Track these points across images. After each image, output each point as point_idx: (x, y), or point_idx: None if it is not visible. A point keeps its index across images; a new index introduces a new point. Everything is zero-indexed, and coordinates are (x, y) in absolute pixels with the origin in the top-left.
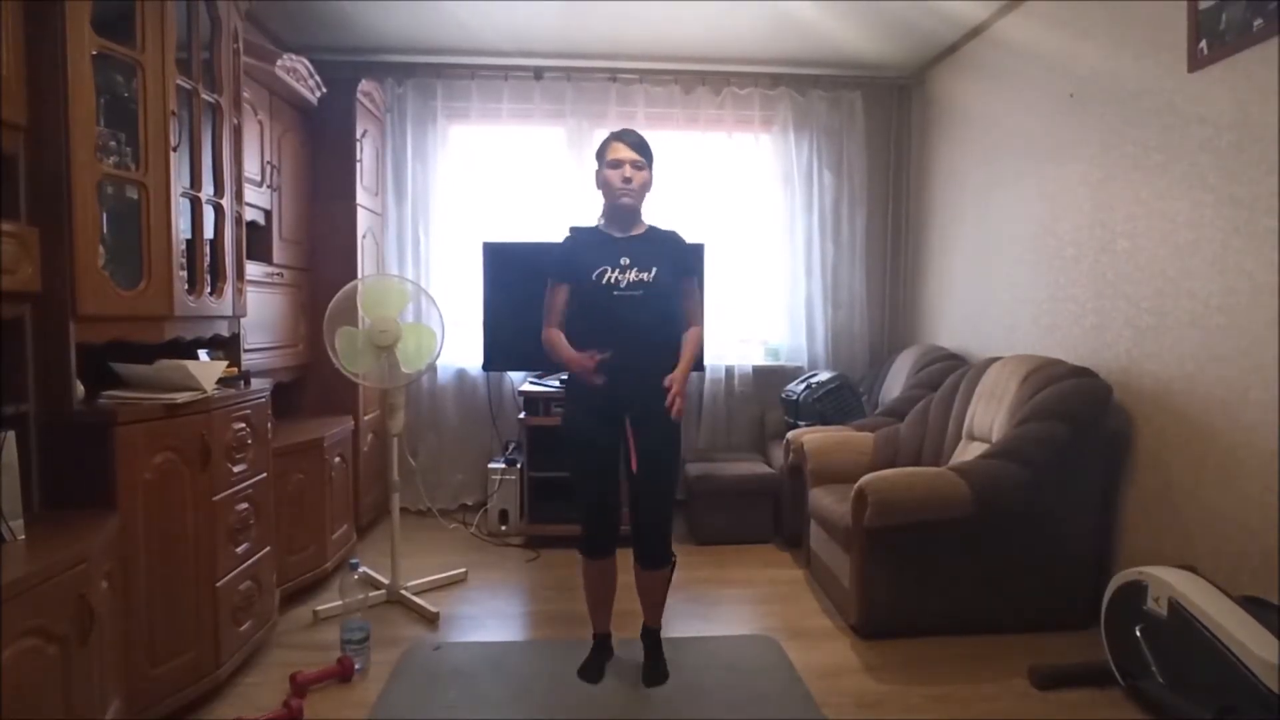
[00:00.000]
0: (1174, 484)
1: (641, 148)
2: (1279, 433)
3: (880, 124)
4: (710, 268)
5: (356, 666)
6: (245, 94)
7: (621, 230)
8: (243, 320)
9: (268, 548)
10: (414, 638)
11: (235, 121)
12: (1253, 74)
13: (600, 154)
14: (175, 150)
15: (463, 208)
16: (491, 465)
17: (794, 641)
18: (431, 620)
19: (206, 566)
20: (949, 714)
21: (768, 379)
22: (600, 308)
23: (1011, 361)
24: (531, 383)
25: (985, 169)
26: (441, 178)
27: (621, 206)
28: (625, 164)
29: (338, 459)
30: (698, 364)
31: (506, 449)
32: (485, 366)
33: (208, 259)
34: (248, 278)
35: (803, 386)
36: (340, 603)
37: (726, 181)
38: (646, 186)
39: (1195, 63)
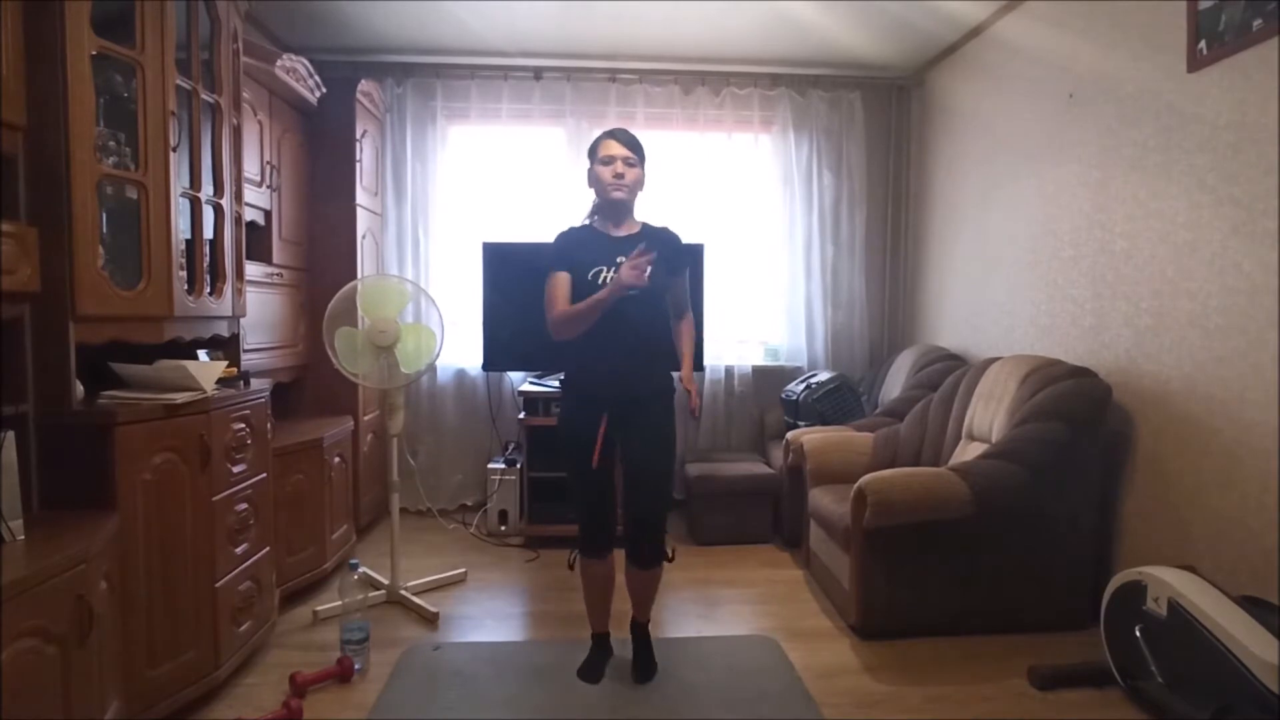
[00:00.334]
0: (1173, 484)
1: (634, 146)
2: (1278, 433)
3: (880, 124)
4: (710, 268)
5: (356, 667)
6: (245, 94)
7: (615, 228)
8: (242, 320)
9: (267, 548)
10: (413, 638)
11: (235, 122)
12: (1252, 75)
13: (592, 151)
14: (175, 150)
15: (462, 208)
16: (491, 465)
17: (793, 642)
18: (431, 620)
19: (206, 567)
20: (948, 714)
21: (767, 379)
22: None
23: (1011, 362)
24: (531, 383)
25: (984, 169)
26: (441, 178)
27: (613, 201)
28: (617, 160)
29: (337, 459)
30: (695, 361)
31: (506, 449)
32: (485, 367)
33: (207, 259)
34: (247, 278)
35: (802, 387)
36: (340, 603)
37: (726, 182)
38: (639, 184)
39: (1194, 63)
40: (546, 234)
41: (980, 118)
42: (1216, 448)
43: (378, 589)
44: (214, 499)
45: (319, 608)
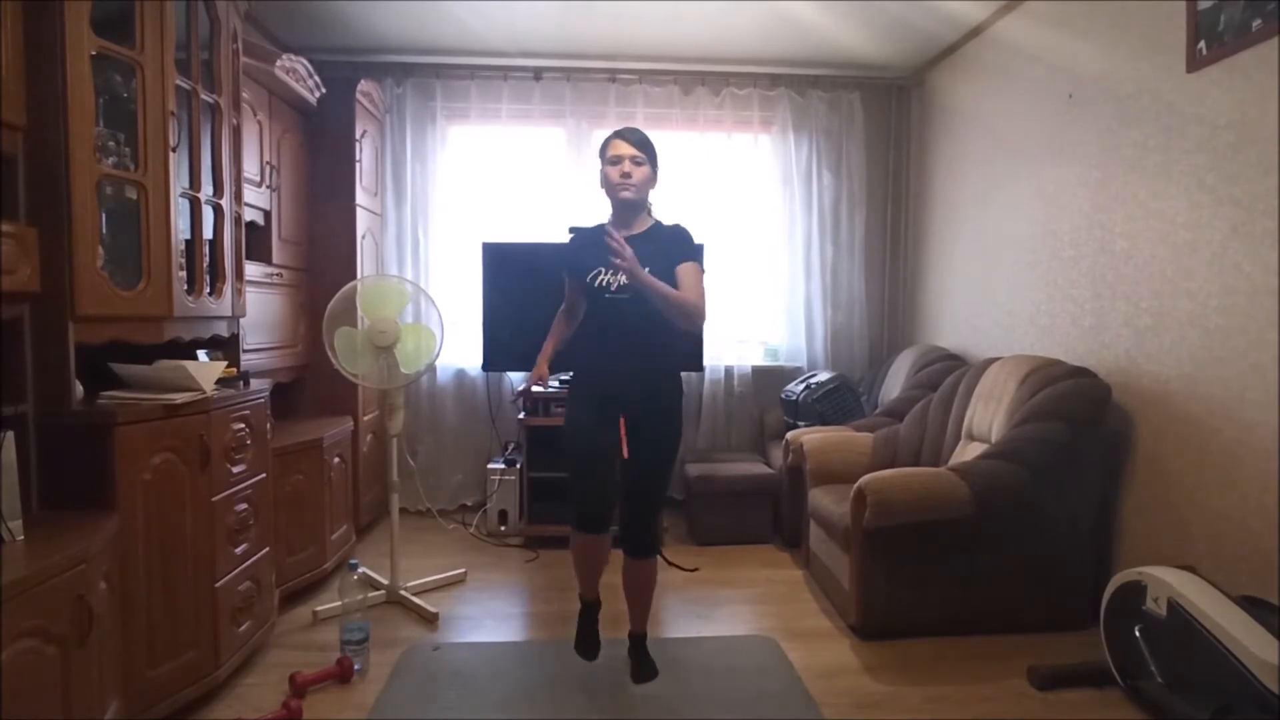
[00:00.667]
0: (1173, 484)
1: (643, 145)
2: (1278, 433)
3: (879, 124)
4: (710, 268)
5: (356, 667)
6: (244, 94)
7: (624, 228)
8: (242, 321)
9: (267, 548)
10: (413, 638)
11: (234, 122)
12: (1251, 75)
13: (602, 152)
14: (174, 150)
15: (462, 208)
16: (491, 466)
17: (793, 642)
18: (431, 621)
19: (205, 567)
20: (948, 714)
21: (767, 379)
22: (594, 310)
23: (1010, 362)
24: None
25: (984, 169)
26: (441, 178)
27: (622, 201)
28: (625, 159)
29: (337, 459)
30: (694, 362)
31: (506, 449)
32: (484, 367)
33: (207, 259)
34: (247, 278)
35: (802, 387)
36: (339, 603)
37: (726, 182)
38: (648, 182)
39: (1194, 63)
40: (546, 234)
41: (980, 118)
42: (1216, 448)
43: (377, 589)
44: (214, 499)
45: (319, 608)
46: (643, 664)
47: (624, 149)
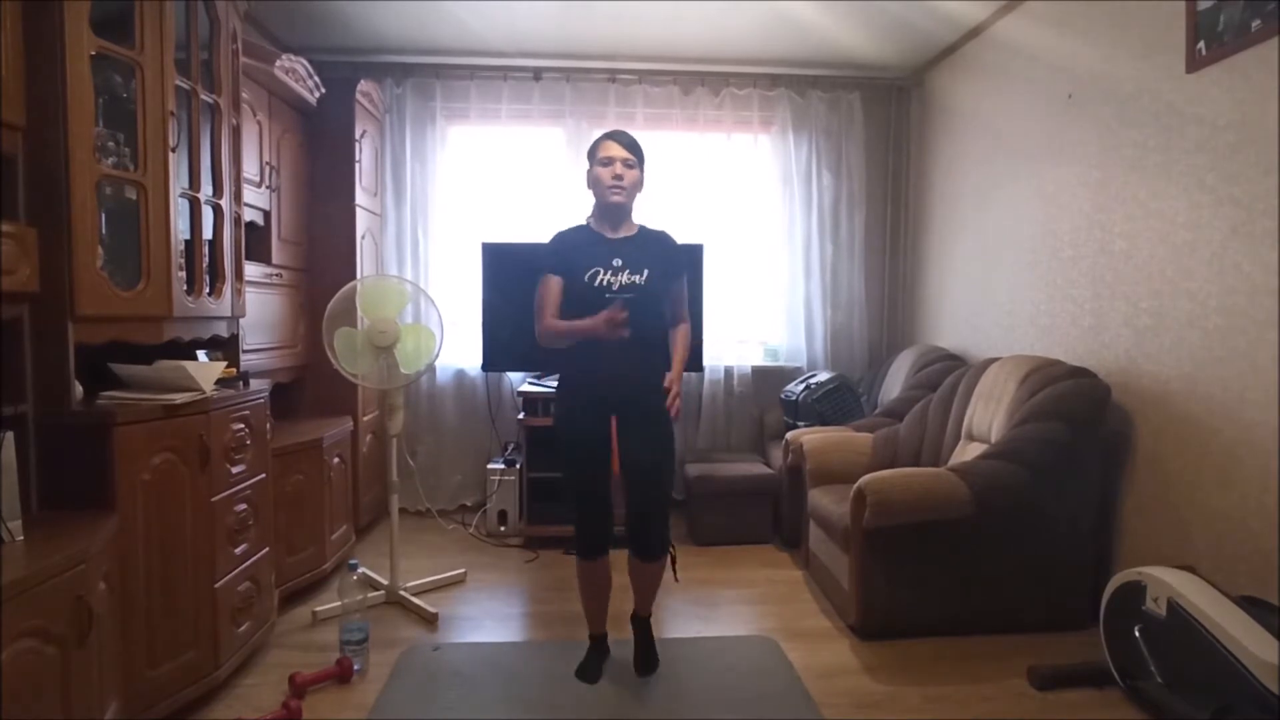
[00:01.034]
0: (1173, 484)
1: (633, 148)
2: (1278, 433)
3: (879, 125)
4: (709, 268)
5: (355, 667)
6: (244, 94)
7: (613, 230)
8: (241, 321)
9: (266, 548)
10: (413, 639)
11: (234, 122)
12: (1251, 75)
13: (592, 153)
14: (174, 151)
15: (462, 208)
16: (490, 466)
17: (793, 642)
18: (430, 621)
19: (205, 567)
20: (948, 714)
21: (767, 379)
22: (592, 309)
23: (1010, 362)
24: (530, 383)
25: (984, 169)
26: (440, 178)
27: (612, 205)
28: (616, 161)
29: (336, 460)
30: (694, 362)
31: (505, 450)
32: (484, 367)
33: (206, 259)
34: (246, 278)
35: (802, 387)
36: (339, 603)
37: (725, 182)
38: (637, 186)
39: (1193, 64)
40: (546, 234)
41: (980, 118)
42: (1216, 448)
43: (377, 589)
44: (213, 499)
45: (318, 608)
46: (646, 652)
47: (616, 151)
